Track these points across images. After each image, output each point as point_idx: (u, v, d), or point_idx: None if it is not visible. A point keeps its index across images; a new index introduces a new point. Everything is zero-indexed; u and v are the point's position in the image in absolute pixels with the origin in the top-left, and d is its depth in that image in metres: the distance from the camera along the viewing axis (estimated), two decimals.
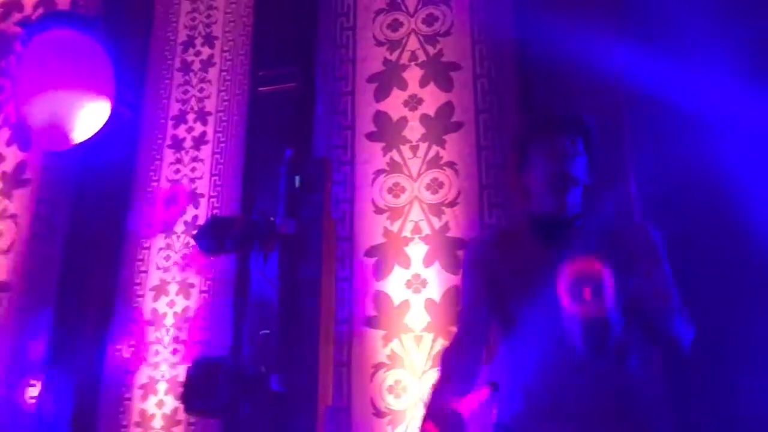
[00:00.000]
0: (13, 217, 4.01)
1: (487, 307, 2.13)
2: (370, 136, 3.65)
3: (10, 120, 4.19)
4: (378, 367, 3.26)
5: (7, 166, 4.11)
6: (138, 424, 3.52)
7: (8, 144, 4.16)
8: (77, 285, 3.86)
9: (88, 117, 3.30)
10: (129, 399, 3.56)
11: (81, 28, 3.41)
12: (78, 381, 3.66)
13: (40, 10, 4.30)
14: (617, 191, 2.99)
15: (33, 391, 3.59)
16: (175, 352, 3.60)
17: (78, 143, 3.45)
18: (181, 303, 3.68)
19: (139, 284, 3.78)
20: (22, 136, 4.12)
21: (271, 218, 2.97)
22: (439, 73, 3.64)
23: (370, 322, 3.31)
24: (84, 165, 3.98)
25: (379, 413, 3.20)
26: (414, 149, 3.57)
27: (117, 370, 3.63)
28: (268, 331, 2.97)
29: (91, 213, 3.96)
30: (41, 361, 3.69)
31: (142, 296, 3.73)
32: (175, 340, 3.60)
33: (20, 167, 4.09)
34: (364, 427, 3.19)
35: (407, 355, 3.24)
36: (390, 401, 3.20)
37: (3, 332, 3.80)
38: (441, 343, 3.18)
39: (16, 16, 4.43)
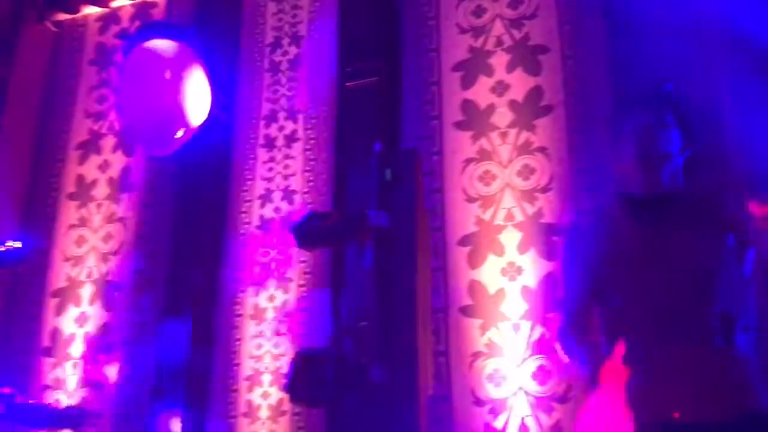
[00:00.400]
0: (121, 220, 4.23)
1: (588, 291, 2.10)
2: (458, 125, 3.64)
3: (114, 128, 4.42)
4: (476, 356, 3.27)
5: (114, 171, 4.34)
6: (246, 415, 3.65)
7: (114, 151, 4.39)
8: (183, 283, 4.03)
9: (187, 121, 3.44)
10: (236, 390, 3.70)
11: (176, 36, 3.56)
12: (189, 374, 3.83)
13: (137, 23, 4.51)
14: (717, 157, 2.86)
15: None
16: (277, 345, 3.71)
17: (178, 146, 3.61)
18: (280, 297, 3.79)
19: (240, 281, 3.91)
20: (126, 142, 4.34)
21: (364, 211, 3.00)
22: (526, 57, 3.59)
23: (466, 311, 3.31)
24: (184, 167, 4.16)
25: (479, 402, 3.21)
26: (503, 136, 3.54)
27: (224, 363, 3.78)
28: (366, 323, 3.02)
29: (192, 213, 4.13)
30: (152, 367, 3.89)
31: (243, 292, 3.86)
32: (277, 333, 3.71)
33: (125, 172, 4.31)
34: (465, 415, 3.20)
35: (505, 343, 3.23)
36: (490, 390, 3.20)
37: (117, 329, 4.03)
38: (539, 331, 3.15)
39: (115, 29, 4.66)
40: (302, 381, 2.93)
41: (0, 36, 4.60)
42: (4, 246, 3.94)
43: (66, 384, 4.02)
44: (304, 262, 3.76)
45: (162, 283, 4.04)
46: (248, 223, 3.98)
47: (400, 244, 3.29)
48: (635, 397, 1.92)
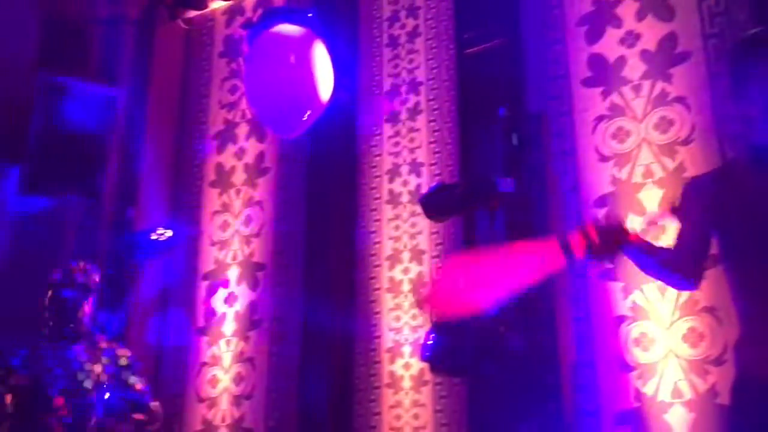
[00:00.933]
0: (259, 203, 4.42)
1: (703, 233, 1.97)
2: (587, 82, 3.49)
3: (246, 116, 4.60)
4: (620, 319, 3.15)
5: (249, 158, 4.53)
6: (389, 386, 3.74)
7: (247, 138, 4.58)
8: (321, 259, 4.17)
9: (314, 101, 3.52)
10: (378, 362, 3.79)
11: (297, 20, 3.64)
12: (333, 346, 3.97)
13: (259, 11, 4.65)
14: None
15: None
16: (414, 317, 3.76)
17: (306, 127, 3.71)
18: (414, 269, 3.82)
19: (374, 255, 3.98)
20: (258, 128, 4.52)
21: (492, 179, 2.96)
22: (657, 2, 3.36)
23: (607, 275, 3.19)
24: (313, 148, 4.27)
25: (626, 367, 3.10)
26: (636, 89, 3.35)
27: (365, 335, 3.88)
28: None
29: (323, 191, 4.24)
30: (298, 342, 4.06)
31: (378, 266, 3.93)
32: (414, 304, 3.76)
33: (260, 158, 4.49)
34: (612, 381, 3.10)
35: (651, 306, 3.09)
36: (637, 354, 3.08)
37: (263, 307, 4.24)
38: (687, 294, 2.98)
39: (240, 20, 4.84)
40: (442, 351, 2.95)
41: (138, 37, 4.91)
42: (157, 234, 4.24)
43: (222, 360, 4.28)
44: (436, 233, 3.77)
45: (300, 262, 4.19)
46: (378, 198, 4.04)
47: (530, 209, 3.23)
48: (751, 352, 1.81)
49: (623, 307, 3.15)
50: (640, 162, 3.26)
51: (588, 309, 3.22)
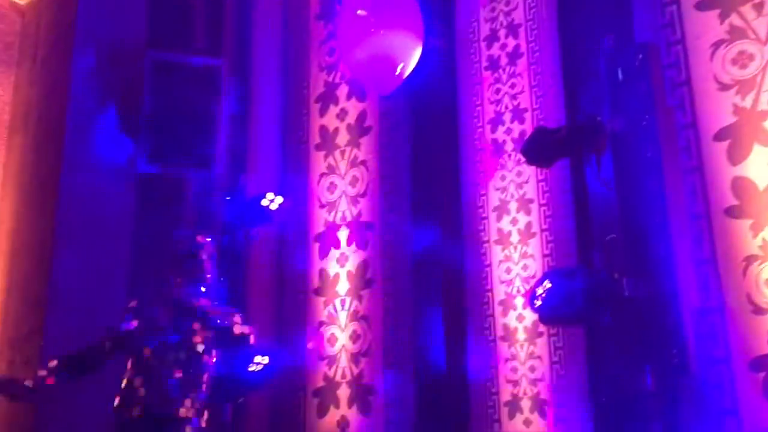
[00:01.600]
0: (363, 163, 4.43)
1: None
2: (701, 6, 3.19)
3: (346, 76, 4.60)
4: (750, 260, 2.91)
5: (351, 118, 4.53)
6: (503, 338, 3.68)
7: (348, 98, 4.58)
8: (428, 215, 4.13)
9: (408, 54, 3.45)
10: (491, 315, 3.73)
11: None
12: (445, 302, 3.95)
13: None
14: None
15: None
16: (525, 267, 3.66)
17: (403, 81, 3.64)
18: (523, 219, 3.71)
19: (481, 207, 3.90)
20: (357, 87, 4.50)
21: (598, 118, 2.79)
22: None
23: (732, 212, 2.95)
24: (413, 103, 4.21)
25: (759, 310, 2.87)
26: (758, 7, 3.04)
27: (476, 289, 3.83)
28: (614, 236, 2.84)
29: (426, 145, 4.18)
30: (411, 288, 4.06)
31: (485, 218, 3.85)
32: (524, 255, 3.66)
33: (361, 117, 4.48)
34: (743, 326, 2.89)
35: None
36: None
37: (374, 266, 4.27)
38: None
39: None
40: (553, 301, 2.86)
41: (238, 7, 4.98)
42: (268, 200, 4.33)
43: (338, 320, 4.37)
44: (543, 181, 3.63)
45: (407, 219, 4.18)
46: (482, 149, 3.93)
47: (640, 148, 3.03)
48: None
49: (753, 246, 2.90)
50: (766, 87, 2.97)
51: (713, 250, 3.00)
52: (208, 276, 2.92)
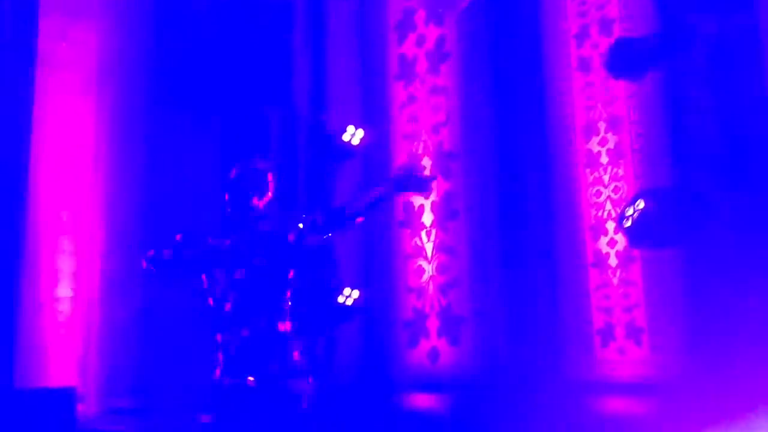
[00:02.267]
0: (444, 90, 4.28)
1: None
2: None
3: (423, 1, 4.41)
4: None
5: (429, 44, 4.37)
6: (594, 265, 3.53)
7: (426, 23, 4.41)
8: (512, 140, 3.96)
9: None
10: (582, 241, 3.58)
11: None
12: (531, 230, 3.82)
13: None
14: None
15: None
16: (616, 190, 3.46)
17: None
18: (612, 140, 3.49)
19: (568, 129, 3.70)
20: (434, 11, 4.31)
21: (692, 23, 2.53)
22: None
23: None
24: (494, 24, 4.00)
25: None
26: None
27: (564, 213, 3.67)
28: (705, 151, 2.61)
29: (509, 67, 3.98)
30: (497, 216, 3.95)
31: (572, 140, 3.65)
32: (614, 177, 3.46)
33: (439, 42, 4.31)
34: None
35: None
36: None
37: (459, 196, 4.17)
38: None
39: None
40: (645, 222, 2.69)
41: None
42: (349, 134, 4.28)
43: (425, 251, 4.33)
44: (632, 96, 3.38)
45: (491, 146, 4.03)
46: (568, 66, 3.70)
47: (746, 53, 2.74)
48: None
49: None
50: None
51: None
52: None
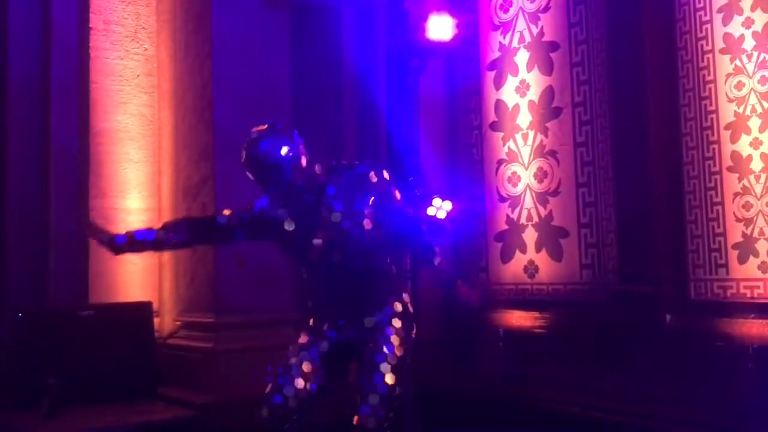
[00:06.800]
0: None
1: None
2: None
3: None
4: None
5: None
6: (731, 169, 3.04)
7: None
8: (625, 24, 3.42)
9: None
10: (715, 142, 3.09)
11: None
12: (651, 127, 3.34)
13: None
14: None
15: None
16: (764, 80, 2.94)
17: None
18: (761, 20, 2.93)
19: (702, 8, 3.14)
20: None
21: None
22: None
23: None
24: None
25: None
26: None
27: (693, 112, 3.17)
28: None
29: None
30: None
31: (708, 22, 3.10)
32: (762, 64, 2.93)
33: None
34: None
35: None
36: None
37: (561, 93, 3.68)
38: None
39: None
40: None
41: None
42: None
43: (520, 156, 3.89)
44: None
45: (603, 36, 3.51)
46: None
47: None
48: None
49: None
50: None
51: None
52: None
